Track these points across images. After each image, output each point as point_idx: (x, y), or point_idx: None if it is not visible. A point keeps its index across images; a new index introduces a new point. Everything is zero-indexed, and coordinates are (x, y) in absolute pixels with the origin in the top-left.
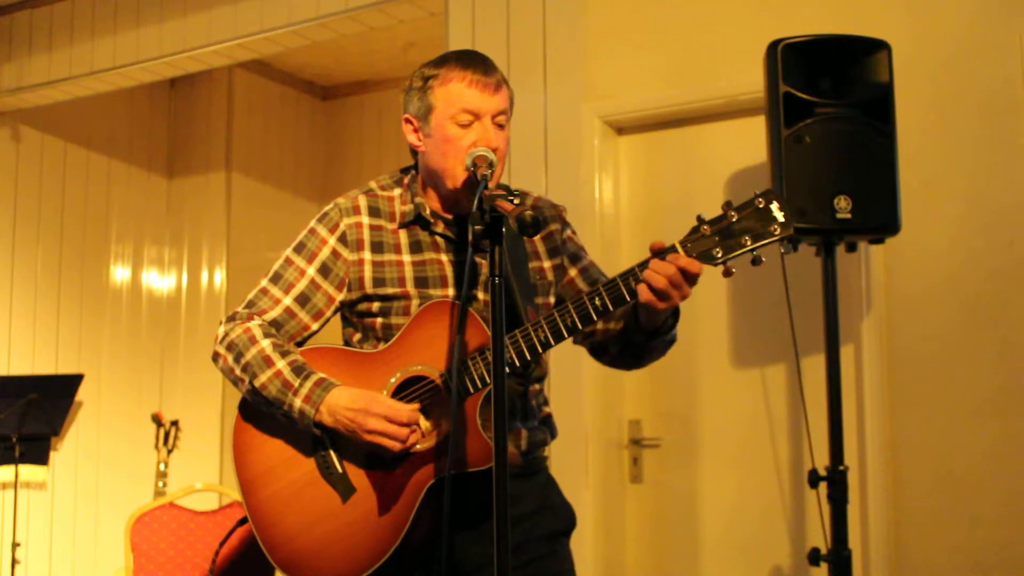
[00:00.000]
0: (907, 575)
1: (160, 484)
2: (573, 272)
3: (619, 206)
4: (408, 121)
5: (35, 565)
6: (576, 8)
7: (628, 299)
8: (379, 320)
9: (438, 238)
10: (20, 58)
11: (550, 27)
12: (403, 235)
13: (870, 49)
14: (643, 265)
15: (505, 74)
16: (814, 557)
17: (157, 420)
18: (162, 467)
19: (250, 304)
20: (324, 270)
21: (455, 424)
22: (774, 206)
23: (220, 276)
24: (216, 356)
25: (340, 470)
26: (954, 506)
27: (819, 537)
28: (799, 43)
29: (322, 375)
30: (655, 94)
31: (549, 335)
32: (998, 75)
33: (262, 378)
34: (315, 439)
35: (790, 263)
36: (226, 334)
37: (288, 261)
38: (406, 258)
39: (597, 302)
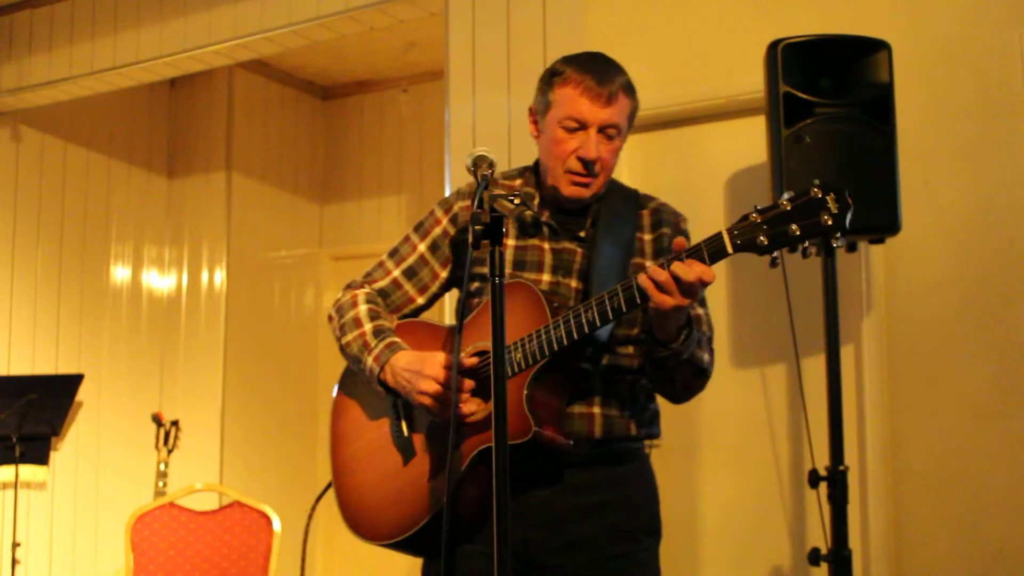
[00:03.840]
0: (907, 575)
1: (160, 484)
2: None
3: None
4: (531, 111)
5: (35, 565)
6: (576, 8)
7: (637, 301)
8: (476, 299)
9: (544, 227)
10: (20, 58)
11: (550, 27)
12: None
13: (870, 49)
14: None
15: (505, 74)
16: (814, 557)
17: (157, 420)
18: (162, 467)
19: (367, 274)
20: (433, 247)
21: (455, 406)
22: (830, 197)
23: (220, 276)
24: (329, 317)
25: (406, 433)
26: (954, 506)
27: (819, 537)
28: (799, 43)
29: (396, 339)
30: (655, 94)
31: (597, 316)
32: (998, 75)
33: (348, 337)
34: (393, 404)
35: (790, 263)
36: (339, 298)
37: (406, 238)
38: (510, 242)
39: (614, 302)
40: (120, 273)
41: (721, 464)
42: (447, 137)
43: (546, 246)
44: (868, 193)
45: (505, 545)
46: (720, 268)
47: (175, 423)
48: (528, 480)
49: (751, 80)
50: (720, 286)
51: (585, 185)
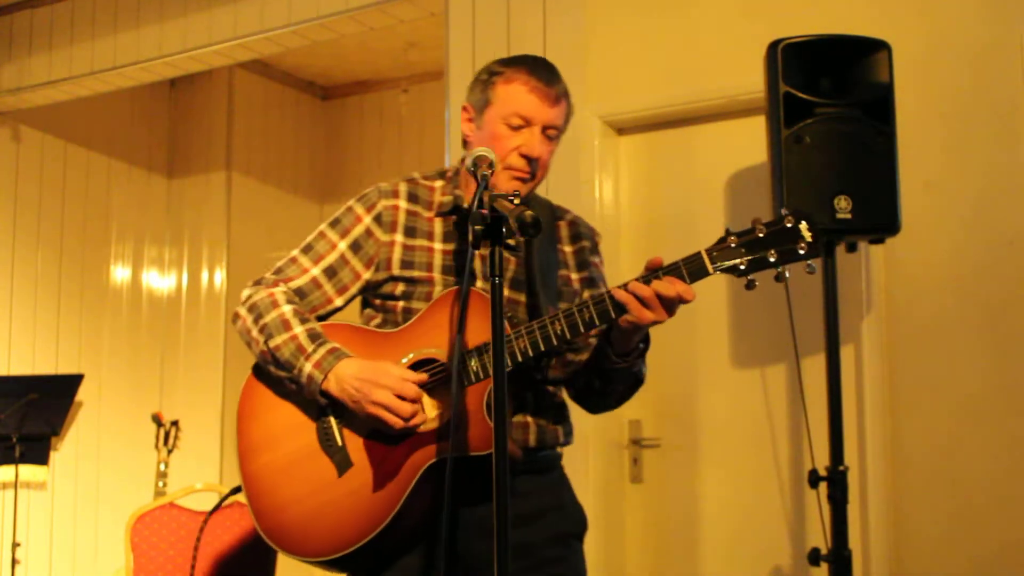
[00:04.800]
0: (907, 575)
1: (160, 484)
2: (586, 295)
3: (619, 206)
4: (466, 109)
5: (35, 565)
6: (576, 8)
7: (612, 315)
8: (401, 303)
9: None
10: (20, 58)
11: (550, 27)
12: (438, 224)
13: (870, 49)
14: (626, 284)
15: None
16: (814, 557)
17: (157, 420)
18: (162, 467)
19: (278, 271)
20: (355, 246)
21: (456, 410)
22: (803, 225)
23: (220, 276)
24: (236, 317)
25: (340, 443)
26: (954, 506)
27: (819, 537)
28: (799, 43)
29: (336, 344)
30: (655, 94)
31: (566, 329)
32: (998, 75)
33: (277, 340)
34: (319, 410)
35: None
36: (249, 296)
37: (321, 234)
38: (437, 246)
39: (585, 315)
40: (120, 273)
41: (721, 464)
42: (447, 137)
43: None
44: (868, 193)
45: (505, 548)
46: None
47: (175, 423)
48: (477, 493)
49: (751, 80)
50: (720, 286)
51: (524, 181)
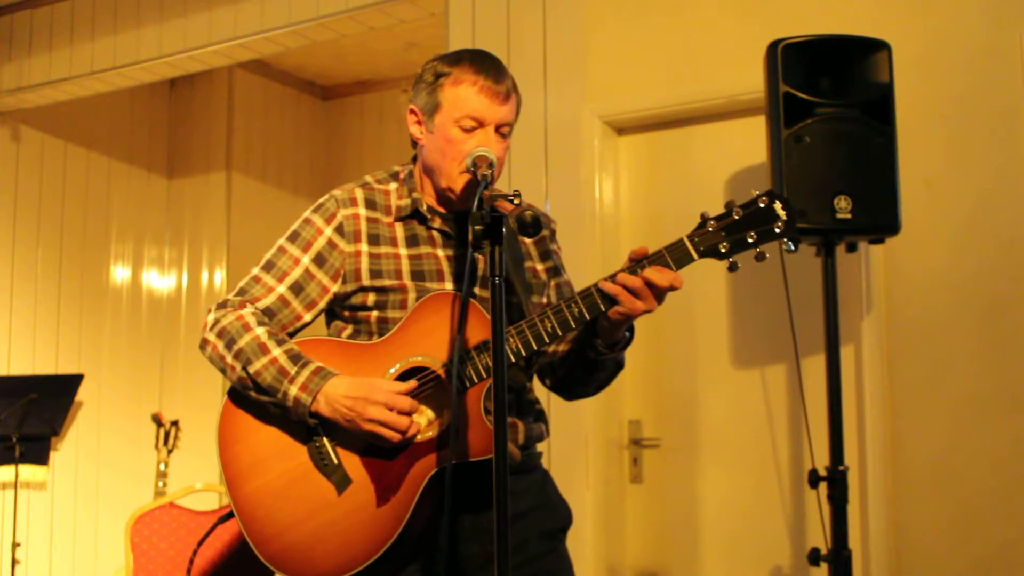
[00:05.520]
0: (907, 575)
1: (160, 484)
2: (551, 284)
3: (619, 206)
4: (413, 112)
5: (35, 565)
6: (576, 8)
7: (602, 308)
8: (374, 313)
9: (434, 233)
10: (20, 58)
11: (550, 27)
12: (399, 228)
13: (870, 49)
14: (613, 276)
15: None
16: (814, 557)
17: (157, 420)
18: (162, 467)
19: (241, 292)
20: (319, 260)
21: (455, 414)
22: (776, 205)
23: (220, 276)
24: (204, 343)
25: (335, 461)
26: (954, 506)
27: (819, 537)
28: (799, 43)
29: (320, 364)
30: (655, 94)
31: (556, 326)
32: (998, 75)
33: (256, 365)
34: (308, 429)
35: (790, 263)
36: (216, 321)
37: (282, 250)
38: (402, 251)
39: (574, 310)
40: (120, 273)
41: (721, 464)
42: None
43: (440, 254)
44: (868, 193)
45: (504, 547)
46: (720, 269)
47: (175, 423)
48: (477, 498)
49: (751, 80)
50: (720, 286)
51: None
